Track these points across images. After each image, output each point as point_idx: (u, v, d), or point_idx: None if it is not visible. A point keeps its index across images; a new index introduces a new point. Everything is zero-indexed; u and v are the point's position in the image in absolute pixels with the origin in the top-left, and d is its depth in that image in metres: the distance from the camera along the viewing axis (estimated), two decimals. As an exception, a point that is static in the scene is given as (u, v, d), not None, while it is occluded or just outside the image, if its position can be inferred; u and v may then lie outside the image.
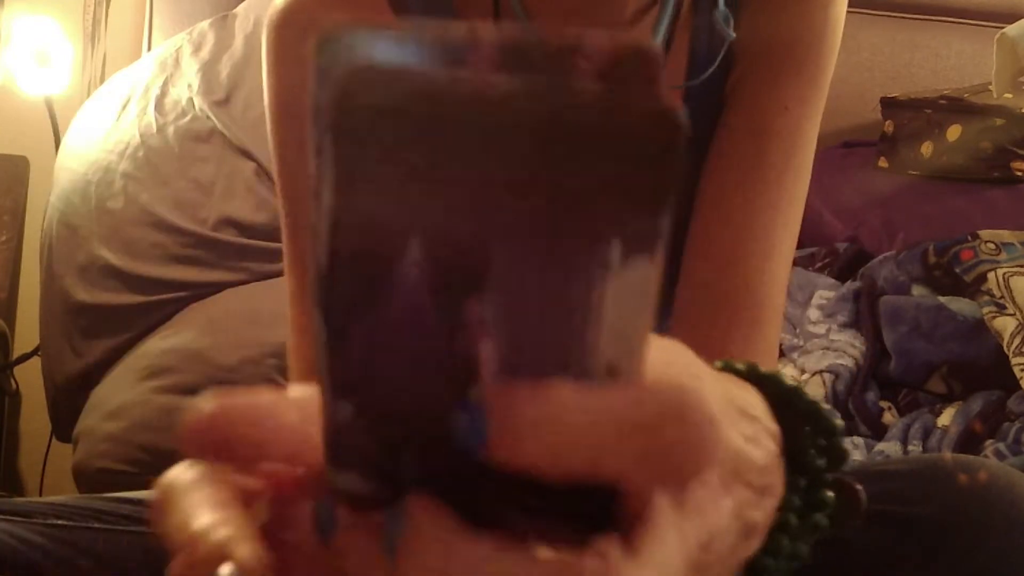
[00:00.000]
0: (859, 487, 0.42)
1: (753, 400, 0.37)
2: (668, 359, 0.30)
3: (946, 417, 1.38)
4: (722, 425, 0.26)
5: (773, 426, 0.38)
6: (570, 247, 0.23)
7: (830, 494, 0.40)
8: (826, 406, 0.41)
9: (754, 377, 0.40)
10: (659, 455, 0.25)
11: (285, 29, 0.68)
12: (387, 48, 0.22)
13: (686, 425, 0.25)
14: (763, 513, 0.36)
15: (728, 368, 0.40)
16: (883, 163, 2.02)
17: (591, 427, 0.25)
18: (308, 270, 0.24)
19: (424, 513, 0.26)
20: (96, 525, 0.70)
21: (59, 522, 0.69)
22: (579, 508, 0.26)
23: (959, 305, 1.50)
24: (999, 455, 1.25)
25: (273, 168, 0.72)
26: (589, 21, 0.70)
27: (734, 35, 0.69)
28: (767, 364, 0.69)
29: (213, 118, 1.65)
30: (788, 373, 1.51)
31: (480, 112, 0.22)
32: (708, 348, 0.69)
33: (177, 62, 1.73)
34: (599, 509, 0.27)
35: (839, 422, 0.41)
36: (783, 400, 0.39)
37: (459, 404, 0.25)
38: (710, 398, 0.26)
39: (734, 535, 0.34)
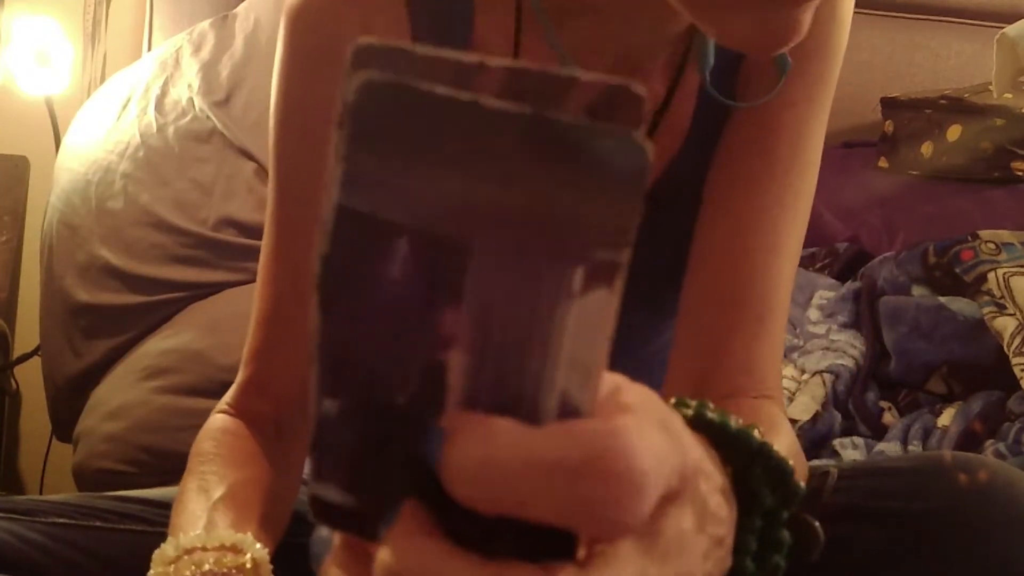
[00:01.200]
0: (816, 524, 0.41)
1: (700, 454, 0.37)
2: (641, 401, 0.29)
3: (946, 417, 1.38)
4: (650, 477, 0.26)
5: (721, 477, 0.37)
6: (537, 269, 0.25)
7: (786, 534, 0.40)
8: (775, 448, 0.40)
9: (703, 423, 0.39)
10: (581, 503, 0.25)
11: (299, 21, 0.69)
12: (407, 64, 0.25)
13: (610, 479, 0.25)
14: (715, 562, 0.36)
15: (678, 407, 0.40)
16: (883, 163, 2.02)
17: (521, 469, 0.25)
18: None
19: (413, 519, 0.27)
20: (97, 524, 0.70)
21: (60, 521, 0.69)
22: (540, 535, 0.27)
23: (959, 305, 1.50)
24: (999, 455, 1.25)
25: (270, 144, 0.72)
26: (623, 45, 0.69)
27: (790, 66, 0.68)
28: (772, 361, 0.69)
29: (213, 118, 1.65)
30: (788, 373, 1.51)
31: (471, 130, 0.24)
32: (713, 345, 0.69)
33: (177, 62, 1.73)
34: (561, 539, 0.27)
35: (790, 462, 0.40)
36: (733, 444, 0.39)
37: (429, 420, 0.26)
38: (643, 448, 0.26)
39: None
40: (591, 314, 0.25)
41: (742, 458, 0.39)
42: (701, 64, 0.69)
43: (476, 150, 0.24)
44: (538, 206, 0.24)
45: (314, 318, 0.26)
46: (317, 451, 0.27)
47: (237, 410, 0.72)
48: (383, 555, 0.27)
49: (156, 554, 0.53)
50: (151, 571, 0.53)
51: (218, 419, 0.71)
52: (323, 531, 0.29)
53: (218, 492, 0.62)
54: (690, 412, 0.40)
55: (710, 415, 0.39)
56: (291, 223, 0.71)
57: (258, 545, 0.55)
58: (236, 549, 0.54)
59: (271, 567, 0.55)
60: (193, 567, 0.52)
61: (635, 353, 0.81)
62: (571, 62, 0.68)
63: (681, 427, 0.30)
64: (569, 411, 0.26)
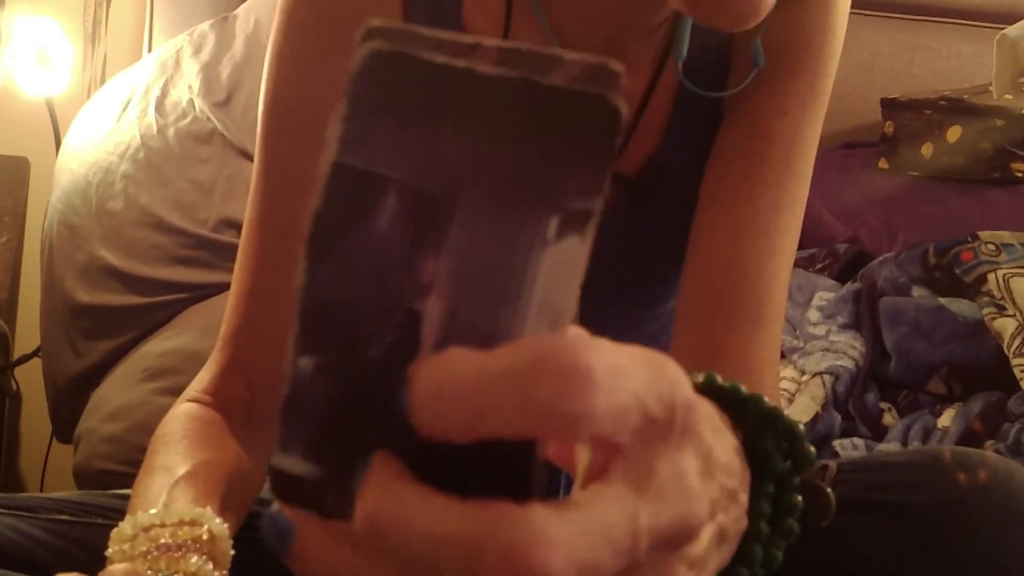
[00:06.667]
0: (828, 489, 0.42)
1: (710, 411, 0.37)
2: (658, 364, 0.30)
3: (946, 418, 1.38)
4: (600, 373, 0.26)
5: (732, 437, 0.38)
6: (516, 217, 0.27)
7: (799, 498, 0.40)
8: (786, 413, 0.41)
9: (712, 388, 0.40)
10: (536, 404, 0.26)
11: (299, 5, 0.70)
12: (411, 41, 0.27)
13: (558, 373, 0.26)
14: (732, 520, 0.36)
15: None
16: (883, 164, 2.03)
17: (474, 384, 0.26)
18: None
19: (385, 467, 0.27)
20: (99, 521, 0.70)
21: (62, 518, 0.69)
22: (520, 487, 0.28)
23: (959, 306, 1.50)
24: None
25: (258, 124, 0.73)
26: (612, 27, 0.70)
27: (762, 63, 0.70)
28: (769, 363, 0.70)
29: (214, 119, 1.65)
30: (788, 375, 1.51)
31: (463, 93, 0.26)
32: (710, 346, 0.70)
33: (178, 63, 1.73)
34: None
35: (801, 426, 0.41)
36: (744, 409, 0.39)
37: (402, 373, 0.27)
38: (591, 348, 0.26)
39: (709, 536, 0.33)
40: (563, 260, 0.27)
41: (753, 423, 0.40)
42: (674, 55, 0.71)
43: (467, 110, 0.26)
44: (520, 159, 0.26)
45: (301, 275, 0.27)
46: (287, 416, 0.28)
47: (210, 395, 0.73)
48: (361, 505, 0.27)
49: (114, 532, 0.53)
50: (108, 549, 0.53)
51: (186, 406, 0.72)
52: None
53: (181, 471, 0.62)
54: (700, 380, 0.40)
55: (721, 382, 0.39)
56: (274, 196, 0.72)
57: (218, 520, 0.55)
58: (194, 523, 0.54)
59: (231, 542, 0.55)
60: (150, 543, 0.52)
61: (624, 340, 0.82)
62: (559, 44, 0.69)
63: (676, 371, 0.30)
64: None
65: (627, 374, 0.28)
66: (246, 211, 0.74)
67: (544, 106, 0.26)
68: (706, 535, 0.33)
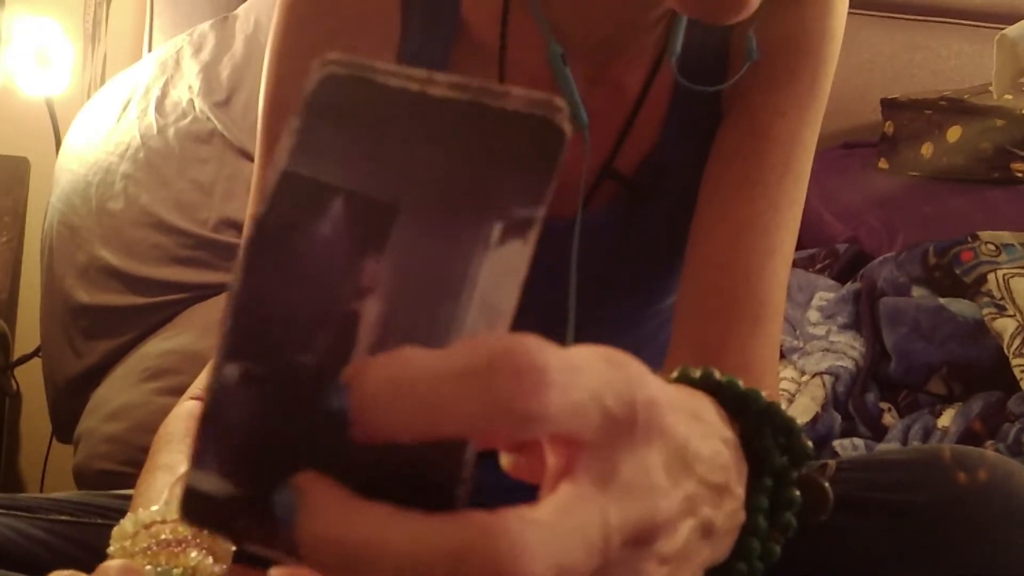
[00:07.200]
0: (826, 484, 0.42)
1: (702, 405, 0.37)
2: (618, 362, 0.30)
3: (946, 418, 1.38)
4: (555, 372, 0.27)
5: (727, 431, 0.38)
6: (459, 223, 0.28)
7: (797, 493, 0.40)
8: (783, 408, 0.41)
9: (709, 384, 0.40)
10: (489, 401, 0.26)
11: (299, 2, 0.70)
12: (367, 71, 0.28)
13: (515, 372, 0.26)
14: (722, 514, 0.36)
15: (684, 376, 0.41)
16: (883, 164, 2.03)
17: (431, 383, 0.26)
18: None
19: (314, 484, 0.27)
20: (99, 521, 0.70)
21: (62, 518, 0.70)
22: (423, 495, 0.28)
23: (959, 306, 1.50)
24: (999, 455, 1.25)
25: (259, 113, 0.73)
26: (612, 23, 0.70)
27: (756, 56, 0.70)
28: (768, 362, 0.70)
29: (213, 119, 1.65)
30: (788, 375, 1.51)
31: (416, 112, 0.28)
32: (709, 346, 0.70)
33: (178, 63, 1.73)
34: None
35: (797, 422, 0.41)
36: (741, 404, 0.39)
37: (333, 377, 0.27)
38: (545, 349, 0.27)
39: (689, 531, 0.33)
40: (505, 263, 0.28)
41: (751, 418, 0.40)
42: (669, 52, 0.71)
43: (417, 125, 0.28)
44: (465, 168, 0.28)
45: (234, 280, 0.27)
46: (205, 428, 0.28)
47: None
48: (308, 529, 0.26)
49: (115, 530, 0.53)
50: (110, 547, 0.53)
51: (188, 404, 0.72)
52: None
53: (183, 469, 0.62)
54: (697, 375, 0.40)
55: (718, 376, 0.39)
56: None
57: None
58: None
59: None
60: (150, 539, 0.52)
61: (623, 337, 0.82)
62: (556, 40, 0.69)
63: (638, 369, 0.30)
64: None
65: (583, 372, 0.28)
66: (247, 208, 0.74)
67: (491, 123, 0.28)
68: (683, 530, 0.33)
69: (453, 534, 0.26)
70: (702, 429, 0.35)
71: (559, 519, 0.27)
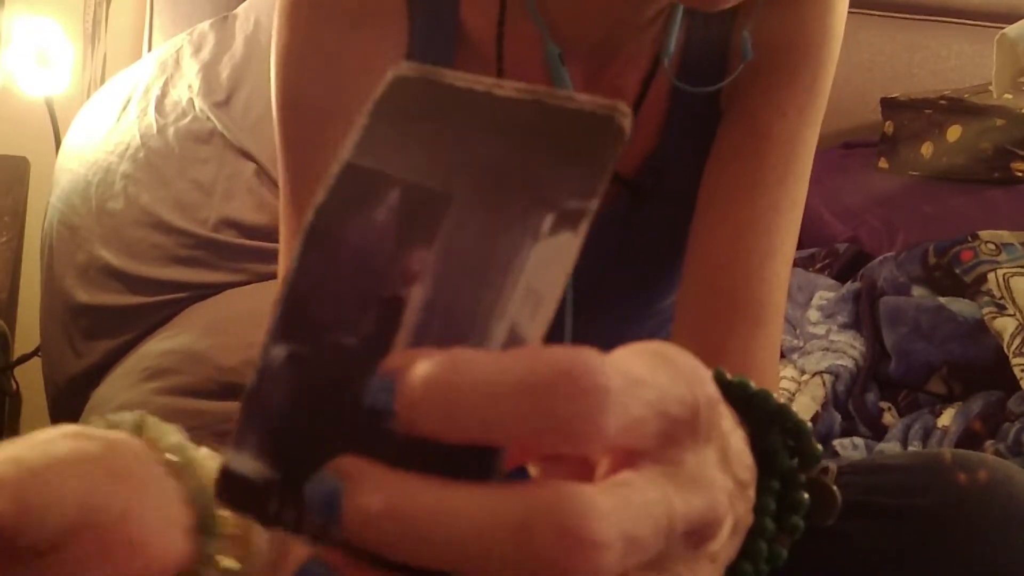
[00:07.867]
0: (833, 487, 0.42)
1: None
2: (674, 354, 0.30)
3: (946, 418, 1.38)
4: (614, 394, 0.26)
5: (740, 431, 0.38)
6: (511, 213, 0.28)
7: (805, 495, 0.40)
8: (794, 410, 0.41)
9: (721, 383, 0.39)
10: (548, 419, 0.25)
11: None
12: (436, 74, 0.30)
13: (575, 390, 0.25)
14: (743, 513, 0.36)
15: None
16: (883, 164, 2.03)
17: (487, 393, 0.25)
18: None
19: (358, 465, 0.26)
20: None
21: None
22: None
23: (959, 306, 1.50)
24: (999, 456, 1.25)
25: (275, 107, 0.73)
26: (607, 22, 0.70)
27: (751, 55, 0.70)
28: (769, 362, 0.70)
29: (213, 119, 1.65)
30: (788, 374, 1.51)
31: (480, 111, 0.29)
32: (710, 347, 0.70)
33: (177, 63, 1.73)
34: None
35: (808, 424, 0.41)
36: (751, 405, 0.39)
37: (375, 362, 0.27)
38: (607, 365, 0.26)
39: (728, 529, 0.34)
40: (554, 252, 0.28)
41: (760, 419, 0.40)
42: (662, 52, 0.71)
43: (479, 121, 0.29)
44: (519, 159, 0.28)
45: (292, 263, 0.29)
46: (248, 409, 0.28)
47: None
48: (365, 503, 0.25)
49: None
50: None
51: None
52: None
53: None
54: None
55: (728, 377, 0.39)
56: (300, 186, 0.73)
57: None
58: None
59: None
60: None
61: (623, 337, 0.83)
62: (554, 42, 0.70)
63: (695, 366, 0.30)
64: (516, 341, 0.27)
65: (644, 384, 0.28)
66: (279, 205, 0.74)
67: (551, 118, 0.28)
68: (726, 527, 0.33)
69: (520, 500, 0.25)
70: (728, 423, 0.36)
71: (629, 493, 0.27)
